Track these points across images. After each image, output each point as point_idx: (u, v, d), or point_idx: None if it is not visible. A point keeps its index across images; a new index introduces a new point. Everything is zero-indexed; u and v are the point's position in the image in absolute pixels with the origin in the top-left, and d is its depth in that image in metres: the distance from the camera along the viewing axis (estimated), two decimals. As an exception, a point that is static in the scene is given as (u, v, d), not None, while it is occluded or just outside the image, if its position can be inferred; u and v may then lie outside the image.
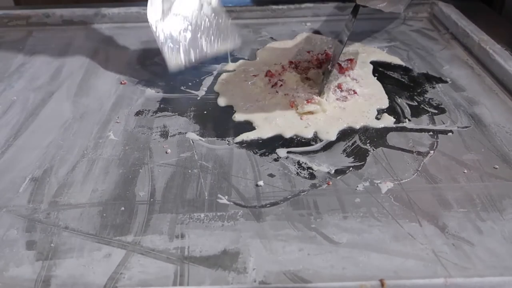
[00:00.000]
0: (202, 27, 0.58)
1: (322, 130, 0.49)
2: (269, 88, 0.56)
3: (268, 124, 0.50)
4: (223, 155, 0.46)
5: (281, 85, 0.55)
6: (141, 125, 0.50)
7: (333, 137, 0.48)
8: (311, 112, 0.51)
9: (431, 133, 0.48)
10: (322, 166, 0.44)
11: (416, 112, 0.52)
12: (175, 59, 0.56)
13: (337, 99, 0.53)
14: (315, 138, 0.48)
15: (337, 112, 0.52)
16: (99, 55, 0.66)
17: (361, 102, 0.53)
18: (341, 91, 0.55)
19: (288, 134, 0.48)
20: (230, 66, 0.62)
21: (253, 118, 0.51)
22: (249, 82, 0.58)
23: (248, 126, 0.50)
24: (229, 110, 0.53)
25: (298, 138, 0.48)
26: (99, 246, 0.36)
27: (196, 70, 0.62)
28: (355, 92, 0.55)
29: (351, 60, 0.60)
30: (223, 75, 0.60)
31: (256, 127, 0.49)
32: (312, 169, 0.43)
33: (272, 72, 0.58)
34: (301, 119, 0.50)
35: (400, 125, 0.50)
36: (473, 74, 0.60)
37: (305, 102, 0.52)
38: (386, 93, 0.55)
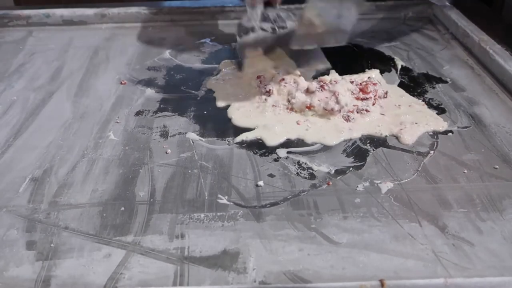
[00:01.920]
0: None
1: (319, 135, 0.48)
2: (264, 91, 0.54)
3: (267, 132, 0.48)
4: (223, 155, 0.46)
5: (270, 95, 0.53)
6: (141, 125, 0.50)
7: (331, 143, 0.47)
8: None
9: (431, 133, 0.48)
10: (322, 166, 0.44)
11: (416, 112, 0.52)
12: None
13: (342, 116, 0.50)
14: (315, 138, 0.48)
15: (339, 120, 0.50)
16: (99, 55, 0.66)
17: (370, 120, 0.50)
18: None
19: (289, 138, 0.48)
20: (228, 65, 0.62)
21: (250, 124, 0.50)
22: (243, 83, 0.57)
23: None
24: (229, 110, 0.53)
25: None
26: (99, 246, 0.36)
27: (196, 70, 0.62)
28: (367, 111, 0.50)
29: (365, 85, 0.52)
30: (219, 75, 0.60)
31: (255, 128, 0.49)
32: (312, 169, 0.43)
33: (262, 76, 0.56)
34: (298, 124, 0.49)
35: (400, 125, 0.50)
36: (473, 74, 0.60)
37: (305, 108, 0.50)
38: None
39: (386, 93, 0.53)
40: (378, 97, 0.52)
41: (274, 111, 0.51)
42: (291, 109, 0.51)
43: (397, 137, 0.48)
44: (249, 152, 0.46)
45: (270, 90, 0.53)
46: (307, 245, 0.35)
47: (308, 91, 0.51)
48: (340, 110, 0.50)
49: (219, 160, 0.45)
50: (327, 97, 0.50)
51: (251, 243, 0.36)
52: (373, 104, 0.51)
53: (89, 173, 0.43)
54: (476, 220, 0.37)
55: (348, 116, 0.49)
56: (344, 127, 0.49)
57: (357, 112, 0.50)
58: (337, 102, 0.50)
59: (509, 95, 0.54)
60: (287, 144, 0.47)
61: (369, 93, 0.51)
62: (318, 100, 0.50)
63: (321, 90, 0.51)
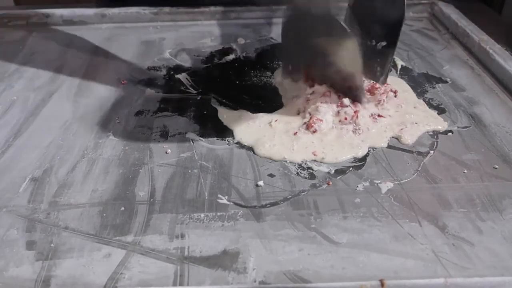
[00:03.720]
0: None
1: (318, 150, 0.45)
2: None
3: (264, 149, 0.46)
4: (223, 155, 0.46)
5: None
6: (141, 125, 0.50)
7: (331, 161, 0.45)
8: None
9: (431, 133, 0.48)
10: (322, 166, 0.44)
11: (416, 112, 0.52)
12: None
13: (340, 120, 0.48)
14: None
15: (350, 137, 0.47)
16: (99, 55, 0.66)
17: (376, 129, 0.48)
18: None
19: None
20: None
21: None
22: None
23: (248, 126, 0.50)
24: (229, 110, 0.53)
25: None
26: (99, 246, 0.36)
27: (196, 70, 0.62)
28: (380, 116, 0.49)
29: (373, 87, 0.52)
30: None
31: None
32: (312, 169, 0.43)
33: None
34: (314, 155, 0.45)
35: (400, 125, 0.50)
36: (473, 74, 0.60)
37: (305, 126, 0.48)
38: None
39: (396, 92, 0.52)
40: (387, 97, 0.51)
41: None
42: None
43: (397, 137, 0.47)
44: (249, 152, 0.46)
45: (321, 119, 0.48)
46: (307, 245, 0.35)
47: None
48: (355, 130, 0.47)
49: (219, 160, 0.45)
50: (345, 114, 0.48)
51: (251, 243, 0.36)
52: (382, 105, 0.50)
53: (89, 173, 0.43)
54: (476, 220, 0.37)
55: (358, 128, 0.47)
56: (360, 144, 0.46)
57: (370, 116, 0.49)
58: (356, 124, 0.48)
59: (509, 95, 0.54)
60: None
61: (376, 90, 0.51)
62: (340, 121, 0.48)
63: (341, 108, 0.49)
